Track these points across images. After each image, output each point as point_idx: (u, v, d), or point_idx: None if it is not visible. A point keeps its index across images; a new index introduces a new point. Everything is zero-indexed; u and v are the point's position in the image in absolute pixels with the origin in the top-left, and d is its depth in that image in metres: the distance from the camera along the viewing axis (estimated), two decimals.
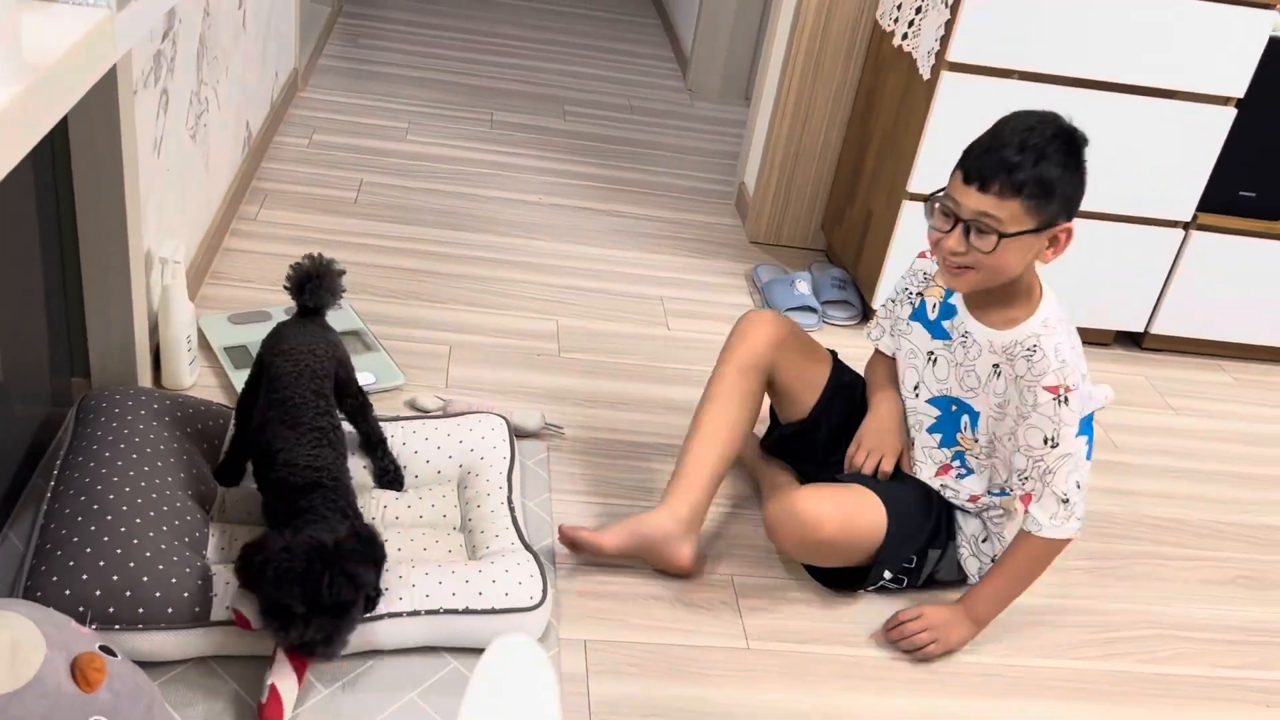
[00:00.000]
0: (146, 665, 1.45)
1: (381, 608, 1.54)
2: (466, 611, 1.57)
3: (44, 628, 1.23)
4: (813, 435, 1.98)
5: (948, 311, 1.82)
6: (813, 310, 2.71)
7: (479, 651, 1.56)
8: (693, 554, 1.83)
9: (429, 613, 1.56)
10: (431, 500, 1.85)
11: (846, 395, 1.98)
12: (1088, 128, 2.50)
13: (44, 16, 1.26)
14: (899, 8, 2.66)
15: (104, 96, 1.60)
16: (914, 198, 2.56)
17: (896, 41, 2.65)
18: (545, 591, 1.63)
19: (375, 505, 1.81)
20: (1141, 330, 2.85)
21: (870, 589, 1.87)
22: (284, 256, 2.59)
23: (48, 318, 1.78)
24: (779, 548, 1.85)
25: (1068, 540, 1.74)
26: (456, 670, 1.58)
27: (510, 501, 1.81)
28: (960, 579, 1.90)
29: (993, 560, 1.85)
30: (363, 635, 1.52)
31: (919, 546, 1.84)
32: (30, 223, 1.67)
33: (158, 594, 1.46)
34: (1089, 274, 2.72)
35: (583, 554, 1.80)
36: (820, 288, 2.79)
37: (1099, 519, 2.22)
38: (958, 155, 2.37)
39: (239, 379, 2.11)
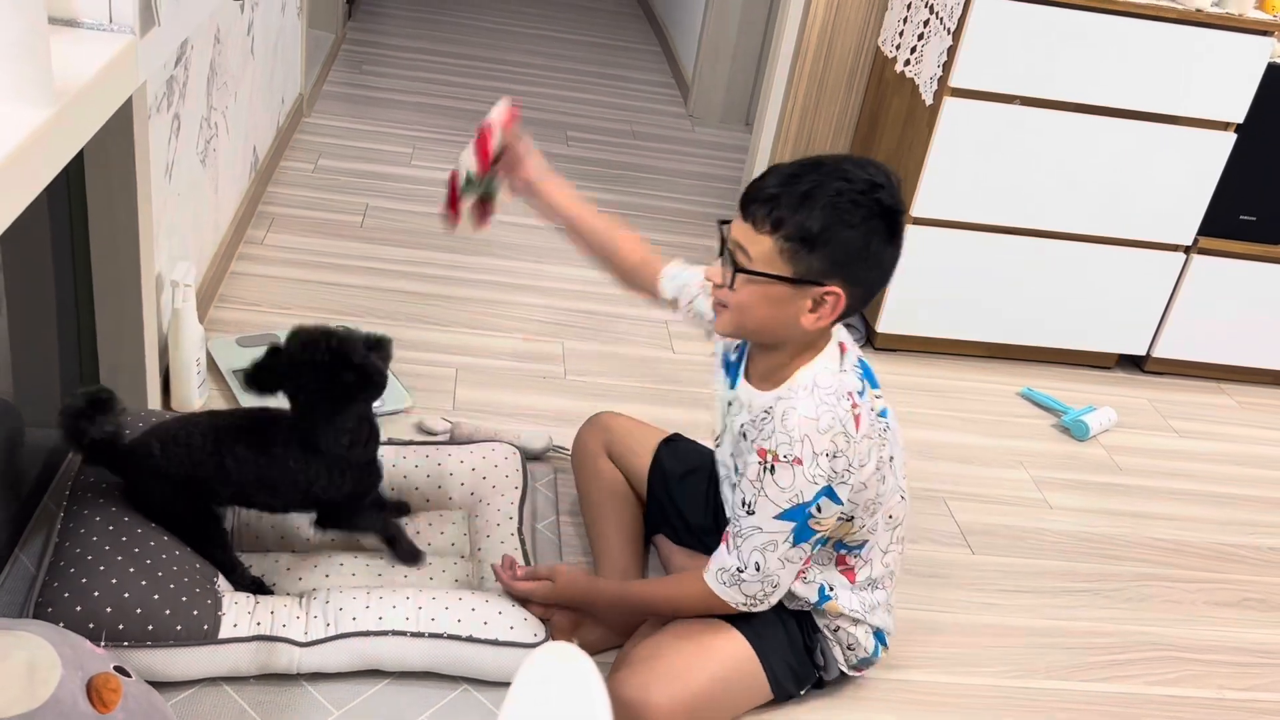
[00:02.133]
0: (159, 686, 1.45)
1: (387, 625, 1.55)
2: (470, 640, 1.56)
3: (60, 648, 1.23)
4: (660, 516, 1.88)
5: (731, 365, 1.63)
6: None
7: (484, 679, 1.57)
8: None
9: (432, 636, 1.55)
10: (441, 528, 1.85)
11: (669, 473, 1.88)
12: (1090, 152, 2.55)
13: (70, 42, 1.27)
14: (901, 34, 2.68)
15: (120, 121, 1.62)
16: (918, 222, 2.58)
17: (899, 67, 2.67)
18: (548, 629, 1.62)
19: None
20: (1144, 353, 2.87)
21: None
22: (290, 280, 2.61)
23: (60, 340, 1.79)
24: None
25: (726, 604, 1.53)
26: (468, 693, 1.57)
27: (521, 533, 1.80)
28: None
29: (849, 648, 1.66)
30: (366, 651, 1.53)
31: (803, 648, 1.64)
32: (43, 245, 1.68)
33: (167, 611, 1.46)
34: (1091, 297, 2.74)
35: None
36: None
37: (1104, 541, 2.23)
38: (961, 180, 2.40)
39: (247, 401, 2.12)
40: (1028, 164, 2.55)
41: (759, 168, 3.17)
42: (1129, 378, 2.89)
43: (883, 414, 1.53)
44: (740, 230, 1.43)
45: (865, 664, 1.71)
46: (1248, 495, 2.47)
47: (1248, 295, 2.79)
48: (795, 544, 1.48)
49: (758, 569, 1.49)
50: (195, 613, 1.48)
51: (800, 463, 1.42)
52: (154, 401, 1.96)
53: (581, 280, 2.87)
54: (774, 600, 1.54)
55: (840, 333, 1.54)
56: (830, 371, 1.47)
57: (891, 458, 1.56)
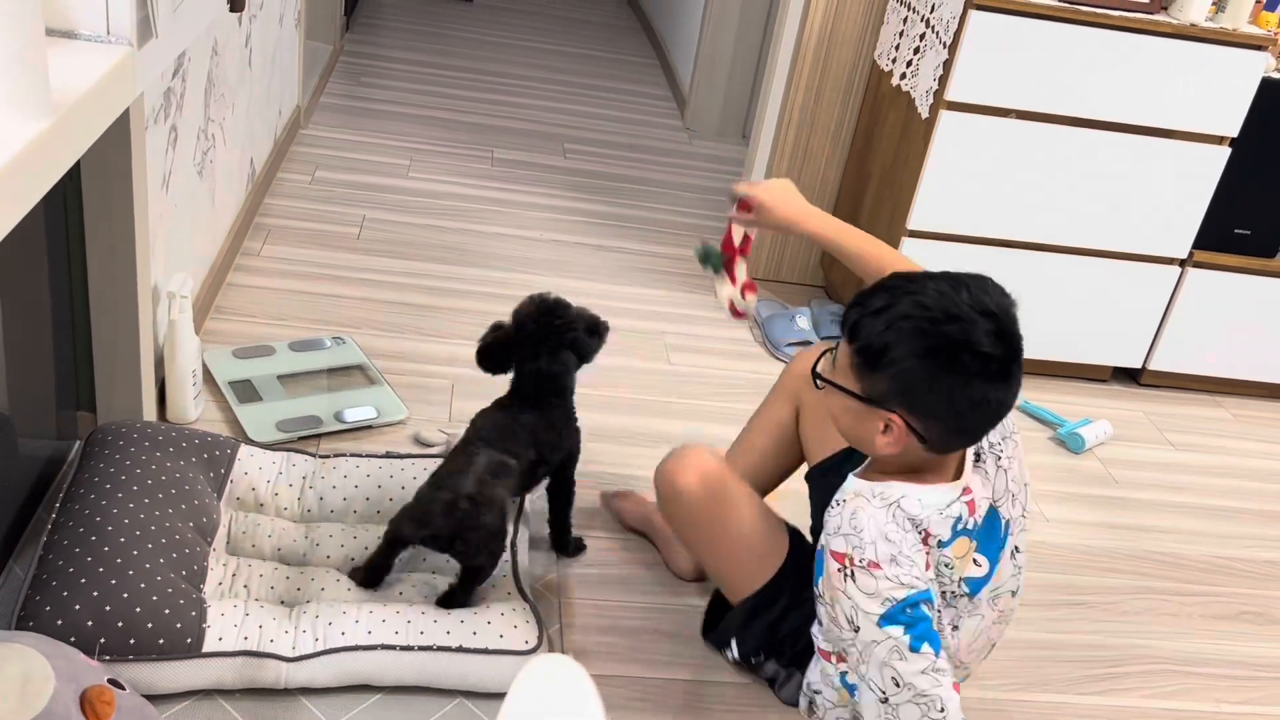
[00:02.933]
0: (153, 699, 1.44)
1: (375, 640, 1.54)
2: (460, 650, 1.56)
3: (54, 660, 1.23)
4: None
5: None
6: (811, 345, 2.73)
7: (482, 691, 1.56)
8: (690, 567, 1.88)
9: (422, 649, 1.55)
10: None
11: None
12: (1085, 165, 2.55)
13: (67, 53, 1.28)
14: (897, 48, 2.69)
15: (117, 132, 1.62)
16: (914, 234, 2.59)
17: (895, 81, 2.68)
18: (541, 637, 1.62)
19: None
20: (1139, 366, 2.87)
21: (733, 655, 1.70)
22: (286, 292, 2.60)
23: (55, 351, 1.79)
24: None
25: None
26: (463, 705, 1.57)
27: (514, 548, 1.80)
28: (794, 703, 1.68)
29: (811, 706, 1.64)
30: (355, 666, 1.52)
31: (768, 641, 1.64)
32: (39, 257, 1.68)
33: (150, 624, 1.46)
34: (1086, 310, 2.74)
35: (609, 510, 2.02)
36: (820, 323, 2.81)
37: (1102, 554, 2.22)
38: (957, 193, 2.40)
39: (243, 413, 2.12)
40: (1023, 177, 2.56)
41: (756, 180, 3.17)
42: (1125, 390, 2.90)
43: (969, 584, 1.47)
44: (842, 346, 1.42)
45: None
46: (1244, 508, 2.48)
47: (1243, 308, 2.80)
48: (915, 646, 1.37)
49: (897, 685, 1.38)
50: (179, 625, 1.48)
51: (874, 566, 1.36)
52: (149, 413, 1.95)
53: (576, 292, 2.87)
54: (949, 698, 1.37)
55: (976, 482, 1.45)
56: (904, 497, 1.38)
57: (957, 629, 1.51)
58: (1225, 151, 2.59)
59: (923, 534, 1.40)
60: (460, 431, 2.17)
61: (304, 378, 2.28)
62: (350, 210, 3.09)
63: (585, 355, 1.80)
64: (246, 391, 2.19)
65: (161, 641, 1.46)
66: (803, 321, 2.77)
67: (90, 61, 1.27)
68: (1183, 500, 2.46)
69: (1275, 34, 2.52)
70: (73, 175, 1.69)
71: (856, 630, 1.38)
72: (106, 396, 1.89)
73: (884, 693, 1.37)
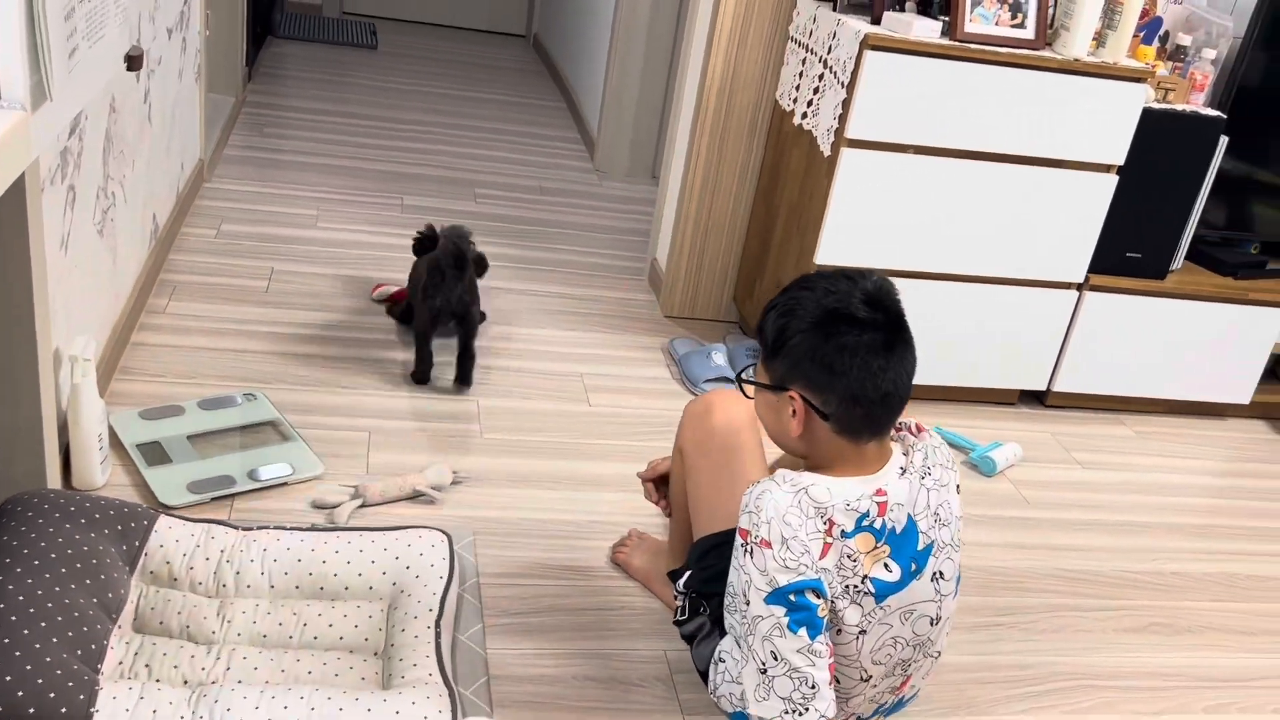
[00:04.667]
0: None
1: None
2: None
3: None
4: None
5: None
6: (729, 381, 2.76)
7: None
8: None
9: None
10: (356, 620, 1.76)
11: None
12: (983, 197, 2.64)
13: None
14: (797, 88, 2.76)
15: (13, 196, 1.58)
16: (822, 268, 2.64)
17: (796, 120, 2.74)
18: None
19: (295, 622, 1.73)
20: (1044, 389, 2.96)
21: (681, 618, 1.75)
22: (195, 349, 2.55)
23: None
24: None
25: None
26: None
27: (438, 626, 1.71)
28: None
29: (720, 674, 1.65)
30: None
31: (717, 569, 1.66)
32: None
33: (31, 709, 1.38)
34: (991, 336, 2.82)
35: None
36: (736, 359, 2.84)
37: (1016, 574, 2.28)
38: (862, 227, 2.45)
39: (152, 477, 2.06)
40: (925, 210, 2.64)
41: (665, 220, 3.21)
42: (1032, 413, 2.98)
43: (876, 584, 1.51)
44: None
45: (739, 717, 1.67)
46: (1148, 522, 2.56)
47: (1139, 329, 2.91)
48: (793, 627, 1.46)
49: (776, 659, 1.47)
50: (64, 710, 1.40)
51: (769, 546, 1.46)
52: (54, 481, 1.89)
53: (490, 336, 2.86)
54: (823, 708, 1.46)
55: (895, 489, 1.51)
56: (816, 483, 1.47)
57: (864, 633, 1.54)
58: (1113, 179, 2.69)
59: (827, 523, 1.47)
60: (370, 480, 2.15)
61: (215, 436, 2.24)
62: (257, 263, 3.04)
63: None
64: (155, 454, 2.14)
65: None
66: (719, 358, 2.80)
67: None
68: (1091, 518, 2.54)
69: (1153, 66, 2.64)
70: None
71: (748, 603, 1.48)
72: (7, 466, 1.82)
73: (763, 664, 1.48)
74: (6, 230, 1.62)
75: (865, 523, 1.49)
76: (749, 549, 1.48)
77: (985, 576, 2.26)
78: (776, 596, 1.45)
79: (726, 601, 1.60)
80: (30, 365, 1.74)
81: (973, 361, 2.86)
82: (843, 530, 1.48)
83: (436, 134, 4.44)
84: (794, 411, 1.51)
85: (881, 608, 1.53)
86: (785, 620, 1.45)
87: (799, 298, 1.50)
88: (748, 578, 1.47)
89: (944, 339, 2.81)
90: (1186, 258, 3.00)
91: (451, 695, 1.57)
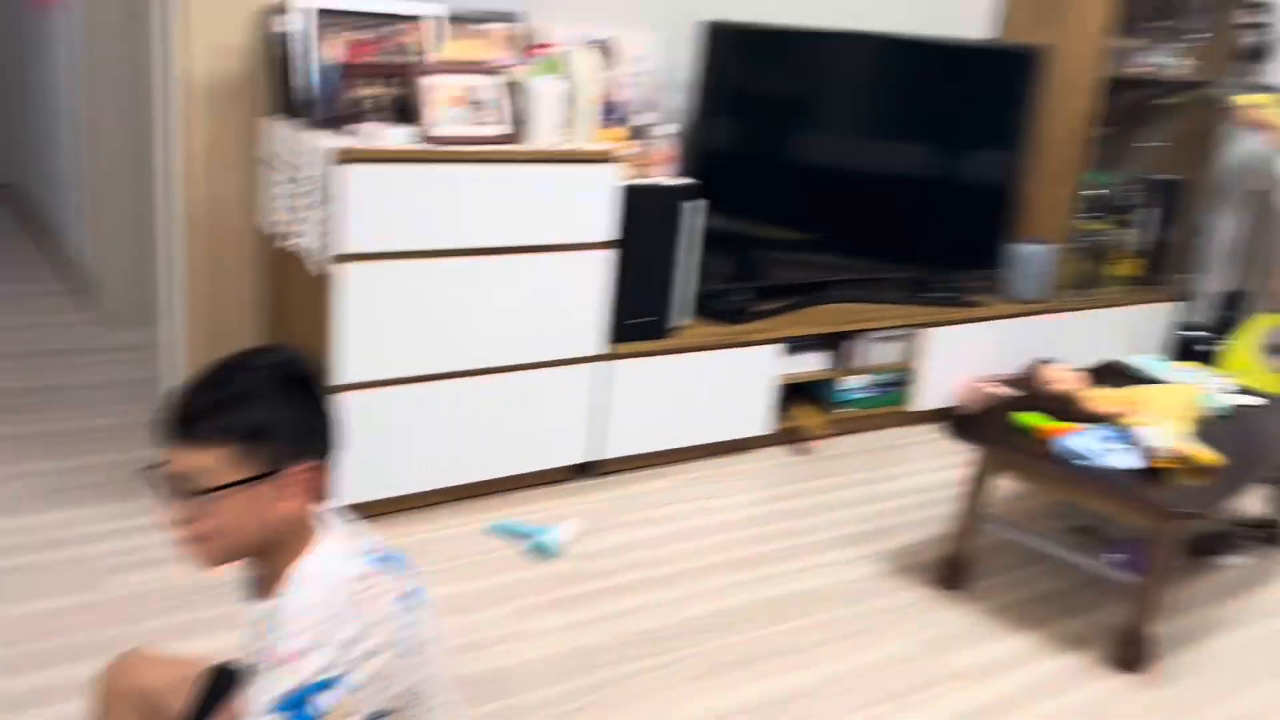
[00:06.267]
0: None
1: None
2: None
3: None
4: None
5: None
6: None
7: None
8: None
9: None
10: None
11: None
12: (496, 289, 2.68)
13: None
14: (282, 210, 2.66)
15: None
16: (349, 388, 2.55)
17: (286, 243, 2.65)
18: None
19: None
20: (596, 459, 3.05)
21: None
22: None
23: None
24: None
25: None
26: None
27: None
28: None
29: None
30: None
31: None
32: None
33: None
34: (533, 420, 2.86)
35: None
36: None
37: (592, 651, 2.29)
38: (378, 339, 2.39)
39: None
40: (438, 313, 2.63)
41: (177, 361, 2.97)
42: (587, 484, 3.05)
43: (417, 593, 1.47)
44: (185, 458, 1.35)
45: None
46: (699, 565, 2.69)
47: (663, 385, 3.09)
48: None
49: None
50: None
51: (297, 656, 1.32)
52: None
53: None
54: None
55: (339, 527, 1.47)
56: (336, 557, 1.42)
57: (433, 638, 1.49)
58: (608, 254, 2.85)
59: (347, 585, 1.39)
60: None
61: None
62: None
63: None
64: None
65: None
66: None
67: None
68: (649, 575, 2.62)
69: (618, 147, 2.83)
70: None
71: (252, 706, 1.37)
72: None
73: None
74: None
75: (375, 558, 1.45)
76: (270, 666, 1.35)
77: (559, 662, 2.25)
78: (292, 703, 1.33)
79: None
80: None
81: (518, 448, 2.89)
82: (360, 576, 1.41)
83: None
84: (289, 492, 1.39)
85: (424, 611, 1.49)
86: None
87: (256, 378, 1.39)
88: (259, 688, 1.36)
89: (489, 431, 2.81)
90: (696, 312, 3.23)
91: None
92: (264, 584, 1.46)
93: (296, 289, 2.68)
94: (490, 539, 2.72)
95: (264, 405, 1.37)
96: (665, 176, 3.02)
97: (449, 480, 2.81)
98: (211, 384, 1.37)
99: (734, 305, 3.30)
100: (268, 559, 1.43)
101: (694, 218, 3.04)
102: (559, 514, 2.83)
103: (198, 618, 2.25)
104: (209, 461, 1.35)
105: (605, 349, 2.95)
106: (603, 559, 2.67)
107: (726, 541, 2.83)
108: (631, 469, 3.16)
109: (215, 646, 1.85)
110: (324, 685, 1.36)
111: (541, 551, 2.65)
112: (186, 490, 1.35)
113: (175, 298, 2.93)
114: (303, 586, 1.39)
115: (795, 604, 2.56)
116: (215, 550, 1.39)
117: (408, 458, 2.71)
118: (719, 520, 2.94)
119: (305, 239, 2.56)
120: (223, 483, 1.35)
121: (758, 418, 3.32)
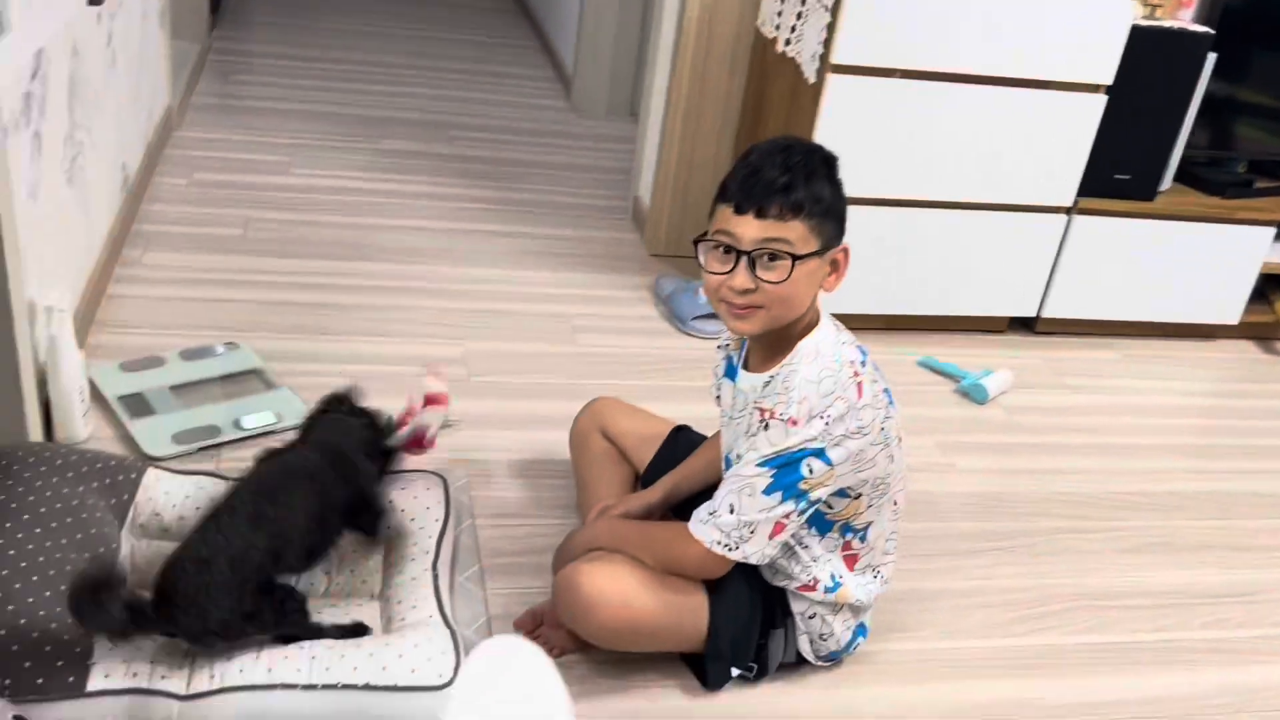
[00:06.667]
0: None
1: (276, 678, 1.44)
2: (367, 688, 1.44)
3: None
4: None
5: (732, 368, 1.66)
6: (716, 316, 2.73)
7: None
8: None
9: (325, 687, 1.43)
10: (352, 565, 1.73)
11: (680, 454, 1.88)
12: (970, 120, 2.60)
13: None
14: (780, 14, 2.70)
15: None
16: None
17: (780, 48, 2.69)
18: (457, 670, 1.49)
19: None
20: (1034, 315, 2.94)
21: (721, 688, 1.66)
22: (172, 300, 2.50)
23: None
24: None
25: (701, 549, 1.54)
26: None
27: (435, 568, 1.69)
28: (798, 660, 1.70)
29: (820, 638, 1.67)
30: (253, 706, 1.42)
31: (758, 630, 1.64)
32: None
33: (28, 664, 1.37)
34: (980, 263, 2.79)
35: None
36: None
37: (1012, 499, 2.27)
38: (848, 155, 2.40)
39: (136, 428, 2.02)
40: (911, 136, 2.59)
41: (647, 157, 3.15)
42: (1022, 339, 2.96)
43: (885, 393, 1.55)
44: (761, 228, 1.45)
45: (835, 656, 1.71)
46: (1139, 444, 2.56)
47: (1127, 252, 2.89)
48: (783, 500, 1.48)
49: (731, 510, 1.50)
50: (60, 663, 1.38)
51: (795, 423, 1.46)
52: (35, 434, 1.85)
53: (474, 280, 2.82)
54: (749, 552, 1.52)
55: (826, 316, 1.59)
56: (831, 341, 1.53)
57: (900, 438, 1.58)
58: (1101, 99, 2.65)
59: (851, 367, 1.50)
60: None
61: (198, 387, 2.19)
62: (232, 212, 2.98)
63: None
64: (138, 405, 2.09)
65: (40, 681, 1.36)
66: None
67: None
68: (1085, 441, 2.53)
69: None
70: None
71: (738, 460, 1.54)
72: None
73: (715, 510, 1.54)
74: None
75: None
76: (764, 423, 1.49)
77: (982, 502, 2.25)
78: (777, 462, 1.47)
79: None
80: (4, 316, 1.69)
81: (962, 289, 2.84)
82: (860, 362, 1.52)
83: (408, 76, 4.35)
84: (834, 267, 1.52)
85: (894, 411, 1.56)
86: (772, 486, 1.47)
87: (816, 159, 1.49)
88: (750, 444, 1.50)
89: (932, 267, 2.78)
90: (1175, 178, 2.97)
91: (453, 635, 1.55)
92: (763, 356, 1.56)
93: (780, 95, 2.73)
94: (920, 372, 2.72)
95: (826, 185, 1.47)
96: (1181, 22, 2.73)
97: (886, 308, 2.82)
98: (783, 163, 1.45)
99: (1227, 177, 2.99)
100: (783, 332, 1.52)
101: (1204, 73, 2.75)
102: (990, 363, 2.77)
103: (653, 385, 2.46)
104: (789, 232, 1.44)
105: (1073, 202, 2.79)
106: (1034, 415, 2.60)
107: (1171, 426, 2.66)
108: (1071, 332, 3.01)
109: (669, 412, 2.02)
110: (812, 453, 1.46)
111: (971, 395, 2.62)
112: (768, 256, 1.45)
113: (655, 97, 3.08)
114: (810, 360, 1.49)
115: (1242, 502, 2.38)
116: (765, 317, 1.50)
117: (850, 279, 2.74)
118: (1165, 403, 2.76)
119: (802, 45, 2.58)
120: (803, 252, 1.45)
121: (1229, 305, 3.03)
